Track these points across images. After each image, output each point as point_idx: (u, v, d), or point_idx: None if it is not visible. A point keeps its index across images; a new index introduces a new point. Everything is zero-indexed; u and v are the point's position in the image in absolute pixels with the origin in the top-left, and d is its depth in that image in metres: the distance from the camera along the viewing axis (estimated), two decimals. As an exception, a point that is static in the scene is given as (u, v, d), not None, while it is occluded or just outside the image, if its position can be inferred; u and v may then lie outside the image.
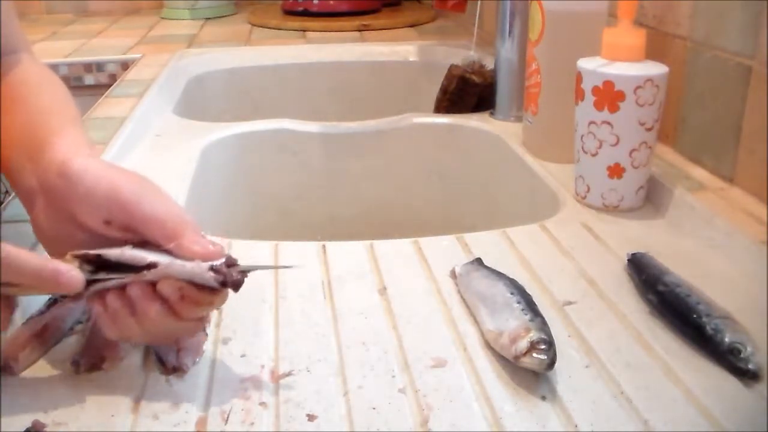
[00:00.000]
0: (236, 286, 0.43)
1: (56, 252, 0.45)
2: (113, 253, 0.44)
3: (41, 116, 0.53)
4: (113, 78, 1.26)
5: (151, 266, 0.43)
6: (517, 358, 0.46)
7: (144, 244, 0.45)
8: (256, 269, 0.46)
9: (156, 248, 0.44)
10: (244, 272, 0.43)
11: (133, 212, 0.44)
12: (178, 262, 0.43)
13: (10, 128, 0.52)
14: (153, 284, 0.43)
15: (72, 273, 0.43)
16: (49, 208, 0.47)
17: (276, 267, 0.61)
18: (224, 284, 0.43)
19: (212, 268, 0.43)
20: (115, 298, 0.44)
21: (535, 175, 0.81)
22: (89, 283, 0.44)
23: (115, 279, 0.44)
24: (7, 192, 1.23)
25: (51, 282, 0.42)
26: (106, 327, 0.45)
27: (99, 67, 1.30)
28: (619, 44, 0.67)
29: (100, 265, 0.44)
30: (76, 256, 0.44)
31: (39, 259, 0.42)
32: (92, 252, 0.44)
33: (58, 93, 0.57)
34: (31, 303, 0.53)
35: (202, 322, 0.47)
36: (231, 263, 0.43)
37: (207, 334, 0.50)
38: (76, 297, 0.45)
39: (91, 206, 0.45)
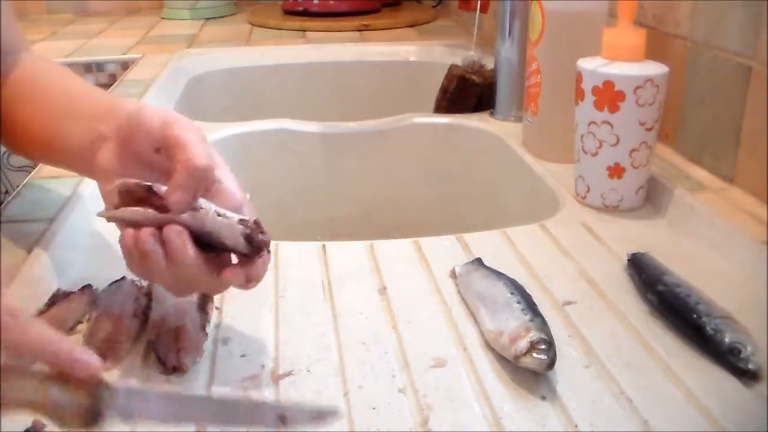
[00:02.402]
0: (261, 245, 0.44)
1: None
2: (162, 187, 0.45)
3: (91, 89, 0.58)
4: (113, 78, 1.26)
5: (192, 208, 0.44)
6: (517, 358, 0.46)
7: None
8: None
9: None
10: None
11: (170, 133, 0.46)
12: (214, 212, 0.44)
13: (51, 104, 0.57)
14: (191, 233, 0.44)
15: (92, 358, 0.40)
16: (118, 147, 0.50)
17: None
18: (249, 239, 0.44)
19: (241, 221, 0.44)
20: (150, 236, 0.44)
21: (535, 175, 0.81)
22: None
23: (153, 212, 0.44)
24: (7, 192, 1.23)
25: (67, 366, 0.40)
26: (133, 263, 0.45)
27: (99, 67, 1.30)
28: (619, 44, 0.67)
29: (145, 199, 0.45)
30: (126, 184, 0.46)
31: (61, 341, 0.40)
32: (144, 183, 0.45)
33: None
34: (32, 303, 0.53)
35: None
36: (258, 224, 0.45)
37: (207, 334, 0.50)
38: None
39: (147, 136, 0.48)
